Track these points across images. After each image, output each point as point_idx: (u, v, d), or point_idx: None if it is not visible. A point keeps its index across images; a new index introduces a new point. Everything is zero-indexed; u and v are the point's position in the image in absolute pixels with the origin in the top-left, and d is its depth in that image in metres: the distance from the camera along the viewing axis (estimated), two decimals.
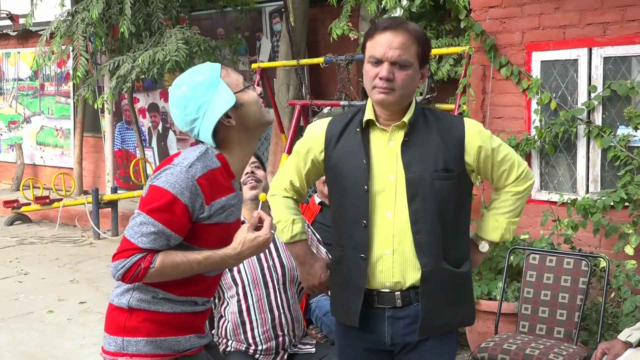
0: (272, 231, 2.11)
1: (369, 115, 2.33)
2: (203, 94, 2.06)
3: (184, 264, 2.02)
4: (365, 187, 2.28)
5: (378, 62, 2.24)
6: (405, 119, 2.29)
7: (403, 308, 2.30)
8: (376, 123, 2.33)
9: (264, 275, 3.01)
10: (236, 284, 2.99)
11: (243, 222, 2.26)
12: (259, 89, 2.19)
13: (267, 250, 3.04)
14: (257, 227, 2.12)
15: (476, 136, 2.32)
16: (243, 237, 2.07)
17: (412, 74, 2.25)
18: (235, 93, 2.09)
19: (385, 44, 2.22)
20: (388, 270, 2.28)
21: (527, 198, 2.45)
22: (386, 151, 2.31)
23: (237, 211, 2.18)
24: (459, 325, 2.46)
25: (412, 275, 2.27)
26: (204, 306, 2.20)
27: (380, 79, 2.22)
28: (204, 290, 2.17)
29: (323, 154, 2.40)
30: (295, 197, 2.51)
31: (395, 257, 2.27)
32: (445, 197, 2.27)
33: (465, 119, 2.37)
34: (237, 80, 2.12)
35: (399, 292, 2.29)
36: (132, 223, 2.02)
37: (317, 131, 2.44)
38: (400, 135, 2.30)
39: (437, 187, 2.25)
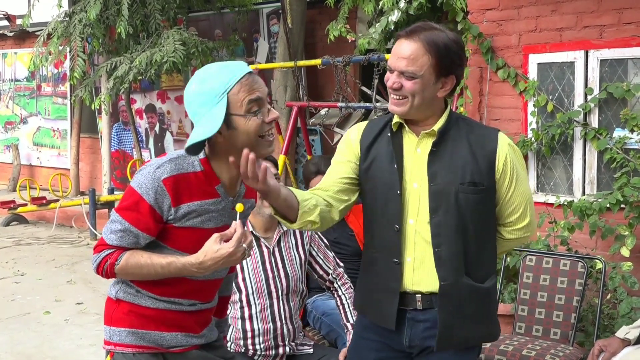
0: (244, 245, 1.97)
1: (397, 118, 2.27)
2: (200, 105, 1.97)
3: (147, 265, 2.02)
4: (398, 191, 2.23)
5: (391, 70, 2.19)
6: (436, 127, 2.23)
7: (423, 311, 2.26)
8: (405, 127, 2.27)
9: (268, 285, 2.98)
10: (240, 291, 2.97)
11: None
12: (274, 115, 2.03)
13: (272, 260, 3.02)
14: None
15: (508, 151, 2.24)
16: (208, 247, 1.97)
17: (422, 84, 2.15)
18: (232, 114, 1.95)
19: (396, 53, 2.17)
20: (409, 276, 2.25)
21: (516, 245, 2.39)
22: (413, 158, 2.25)
23: (221, 217, 2.11)
24: (481, 341, 2.39)
25: (431, 284, 2.23)
26: (193, 307, 2.17)
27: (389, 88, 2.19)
28: (189, 292, 2.15)
29: (359, 157, 2.33)
30: (322, 197, 2.25)
31: (415, 265, 2.24)
32: (470, 211, 2.20)
33: (500, 133, 2.29)
34: (243, 102, 1.96)
35: (419, 295, 2.25)
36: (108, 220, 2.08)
37: (353, 136, 2.37)
38: (428, 144, 2.24)
39: (462, 200, 2.19)
